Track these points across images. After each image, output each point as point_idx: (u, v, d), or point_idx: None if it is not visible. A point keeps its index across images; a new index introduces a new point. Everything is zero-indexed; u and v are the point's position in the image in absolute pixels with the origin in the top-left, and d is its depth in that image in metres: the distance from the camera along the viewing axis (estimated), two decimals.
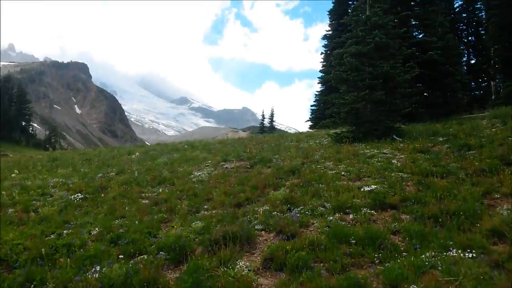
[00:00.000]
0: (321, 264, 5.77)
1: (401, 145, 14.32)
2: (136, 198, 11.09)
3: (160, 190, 11.90)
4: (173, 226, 8.01)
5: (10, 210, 10.68)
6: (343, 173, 11.19)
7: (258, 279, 5.60)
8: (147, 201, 10.71)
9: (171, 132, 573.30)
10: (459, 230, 6.38)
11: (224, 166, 14.54)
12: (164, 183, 12.81)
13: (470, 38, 38.04)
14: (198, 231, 7.47)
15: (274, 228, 7.36)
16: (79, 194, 12.04)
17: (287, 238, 6.85)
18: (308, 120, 38.94)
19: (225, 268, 5.73)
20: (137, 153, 20.07)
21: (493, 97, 31.80)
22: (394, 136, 16.60)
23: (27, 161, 23.64)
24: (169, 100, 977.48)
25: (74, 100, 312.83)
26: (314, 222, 7.61)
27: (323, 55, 39.39)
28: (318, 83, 38.38)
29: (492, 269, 4.96)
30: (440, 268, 5.15)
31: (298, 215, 7.98)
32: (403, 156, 12.53)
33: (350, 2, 37.65)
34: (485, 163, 9.87)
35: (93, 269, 6.20)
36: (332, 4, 39.38)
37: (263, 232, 7.47)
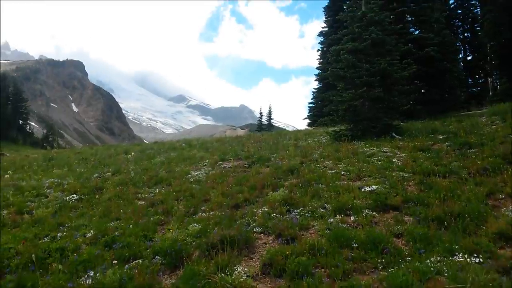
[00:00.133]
0: (322, 270, 5.57)
1: (401, 143, 14.13)
2: (132, 199, 10.89)
3: (157, 191, 11.69)
4: (169, 229, 7.81)
5: (4, 212, 10.47)
6: (343, 172, 10.99)
7: (257, 286, 5.42)
8: (143, 202, 10.50)
9: (169, 130, 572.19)
10: (464, 233, 6.21)
11: (222, 166, 14.33)
12: (161, 183, 12.60)
13: (466, 34, 37.91)
14: (195, 235, 7.28)
15: (273, 231, 7.16)
16: (74, 195, 11.85)
17: (287, 241, 6.65)
18: (306, 118, 38.72)
19: (223, 274, 5.52)
20: (133, 153, 19.79)
21: (490, 93, 31.71)
22: (393, 134, 16.43)
23: (22, 161, 23.36)
24: (167, 98, 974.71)
25: (71, 98, 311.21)
26: (314, 224, 7.41)
27: (319, 52, 39.14)
28: (315, 80, 38.14)
29: (501, 276, 4.78)
30: (446, 274, 4.96)
31: (298, 217, 7.78)
32: (403, 154, 12.34)
33: None
34: (487, 162, 9.69)
35: (86, 274, 6.01)
36: (328, 1, 39.14)
37: (262, 235, 7.27)
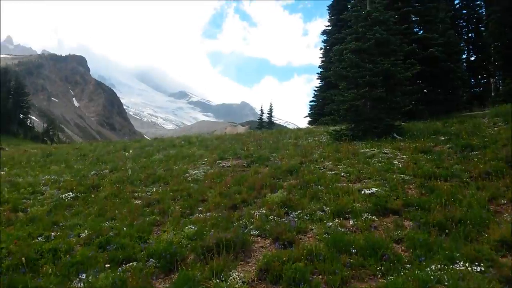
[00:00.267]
0: (320, 277, 5.42)
1: (402, 144, 13.98)
2: (129, 198, 10.74)
3: (154, 190, 11.55)
4: (165, 231, 7.67)
5: None
6: (342, 174, 10.84)
7: None
8: (139, 201, 10.37)
9: (169, 126, 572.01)
10: (465, 240, 6.06)
11: (221, 165, 14.18)
12: (159, 182, 12.46)
13: (470, 34, 37.65)
14: (191, 237, 7.13)
15: (270, 234, 7.01)
16: (70, 192, 11.71)
17: (284, 246, 6.50)
18: (307, 116, 38.54)
19: (218, 280, 5.39)
20: (131, 151, 19.63)
21: (492, 94, 31.51)
22: (395, 135, 16.26)
23: (21, 156, 23.24)
24: (168, 94, 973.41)
25: (72, 93, 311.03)
26: (313, 228, 7.27)
27: (322, 50, 38.87)
28: (317, 78, 37.91)
29: (503, 286, 4.64)
30: (446, 283, 4.83)
31: (296, 219, 7.65)
32: (404, 156, 12.17)
33: None
34: (489, 166, 9.53)
35: (78, 278, 5.87)
36: (332, 0, 38.83)
37: (259, 238, 7.13)
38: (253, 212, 8.41)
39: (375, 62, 17.61)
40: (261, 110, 59.14)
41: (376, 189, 8.83)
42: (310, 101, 38.94)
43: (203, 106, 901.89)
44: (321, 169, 11.64)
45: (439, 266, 5.28)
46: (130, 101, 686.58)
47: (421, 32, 25.75)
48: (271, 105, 57.85)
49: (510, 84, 26.23)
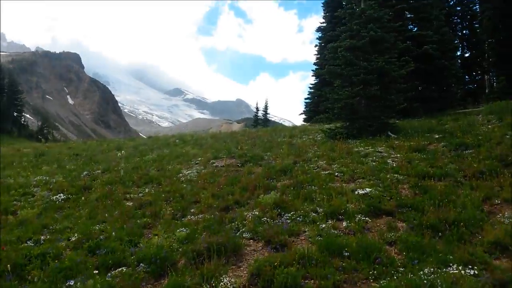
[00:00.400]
0: (312, 282, 5.32)
1: (396, 142, 13.92)
2: (120, 199, 10.59)
3: (146, 191, 11.41)
4: (156, 234, 7.56)
5: None
6: (336, 173, 10.76)
7: None
8: (131, 203, 10.22)
9: (165, 124, 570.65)
10: (459, 242, 6.00)
11: (214, 164, 14.06)
12: (151, 183, 12.30)
13: (464, 31, 37.68)
14: (182, 240, 7.03)
15: (262, 237, 6.91)
16: (61, 194, 11.54)
17: (276, 249, 6.41)
18: (302, 113, 38.46)
19: (208, 286, 5.29)
20: (123, 151, 19.46)
21: (487, 91, 31.59)
22: (389, 133, 16.20)
23: (13, 156, 22.98)
24: (163, 91, 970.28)
25: (67, 91, 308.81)
26: (306, 230, 7.18)
27: (317, 47, 38.73)
28: (312, 75, 37.80)
29: None
30: (439, 287, 4.75)
31: (289, 221, 7.56)
32: (398, 155, 12.10)
33: None
34: (484, 165, 9.49)
35: (66, 284, 5.76)
36: None
37: (251, 241, 7.02)
38: (245, 214, 8.30)
39: (370, 60, 17.52)
40: (257, 108, 58.97)
41: (369, 189, 8.75)
42: (305, 98, 38.87)
43: (199, 103, 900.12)
44: (315, 169, 11.55)
45: (432, 269, 5.21)
46: (125, 99, 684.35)
47: (415, 29, 25.68)
48: (266, 103, 57.71)
49: (504, 81, 26.31)
